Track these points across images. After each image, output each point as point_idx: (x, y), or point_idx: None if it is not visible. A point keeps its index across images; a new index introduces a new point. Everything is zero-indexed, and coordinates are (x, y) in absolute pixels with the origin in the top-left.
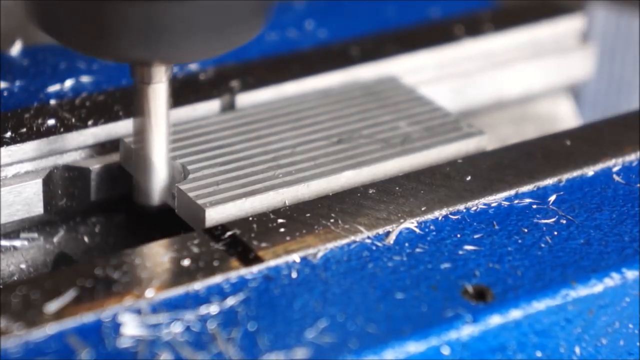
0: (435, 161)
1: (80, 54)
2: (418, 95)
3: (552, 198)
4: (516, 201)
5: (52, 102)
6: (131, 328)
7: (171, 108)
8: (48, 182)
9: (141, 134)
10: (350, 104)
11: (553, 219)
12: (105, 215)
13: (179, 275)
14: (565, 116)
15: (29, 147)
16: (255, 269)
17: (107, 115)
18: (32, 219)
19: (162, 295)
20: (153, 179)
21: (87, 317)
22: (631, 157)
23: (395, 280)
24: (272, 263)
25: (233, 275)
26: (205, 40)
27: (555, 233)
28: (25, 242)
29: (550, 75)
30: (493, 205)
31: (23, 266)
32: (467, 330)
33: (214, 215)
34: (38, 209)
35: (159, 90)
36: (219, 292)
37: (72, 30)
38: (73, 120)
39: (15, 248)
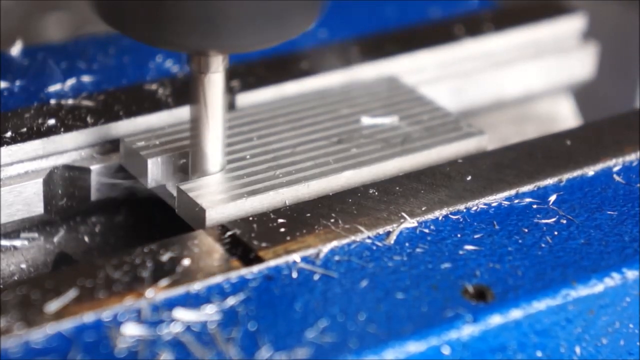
0: (436, 161)
1: (140, 43)
2: (418, 95)
3: (553, 198)
4: (516, 201)
5: (52, 102)
6: (131, 328)
7: (170, 108)
8: (48, 182)
9: (196, 123)
10: (350, 104)
11: (553, 219)
12: (106, 215)
13: (179, 275)
14: (565, 116)
15: (29, 147)
16: (255, 268)
17: (107, 115)
18: (32, 219)
19: (162, 295)
20: (208, 170)
21: (87, 317)
22: (631, 157)
23: (395, 280)
24: (273, 263)
25: (233, 275)
26: (262, 29)
27: (556, 233)
28: (26, 242)
29: (550, 75)
30: (493, 205)
31: (23, 266)
32: (467, 330)
33: (214, 215)
34: (38, 209)
35: (215, 80)
36: (219, 292)
37: (131, 20)
38: (73, 120)
39: (15, 248)
